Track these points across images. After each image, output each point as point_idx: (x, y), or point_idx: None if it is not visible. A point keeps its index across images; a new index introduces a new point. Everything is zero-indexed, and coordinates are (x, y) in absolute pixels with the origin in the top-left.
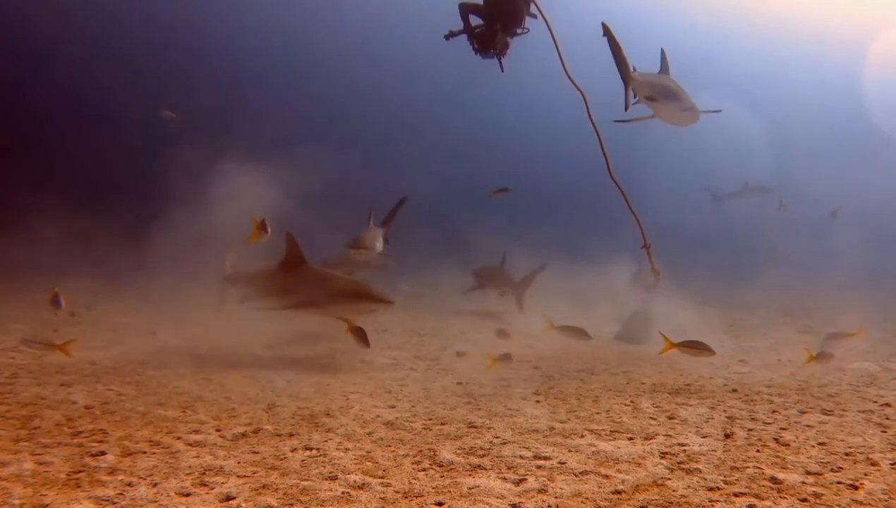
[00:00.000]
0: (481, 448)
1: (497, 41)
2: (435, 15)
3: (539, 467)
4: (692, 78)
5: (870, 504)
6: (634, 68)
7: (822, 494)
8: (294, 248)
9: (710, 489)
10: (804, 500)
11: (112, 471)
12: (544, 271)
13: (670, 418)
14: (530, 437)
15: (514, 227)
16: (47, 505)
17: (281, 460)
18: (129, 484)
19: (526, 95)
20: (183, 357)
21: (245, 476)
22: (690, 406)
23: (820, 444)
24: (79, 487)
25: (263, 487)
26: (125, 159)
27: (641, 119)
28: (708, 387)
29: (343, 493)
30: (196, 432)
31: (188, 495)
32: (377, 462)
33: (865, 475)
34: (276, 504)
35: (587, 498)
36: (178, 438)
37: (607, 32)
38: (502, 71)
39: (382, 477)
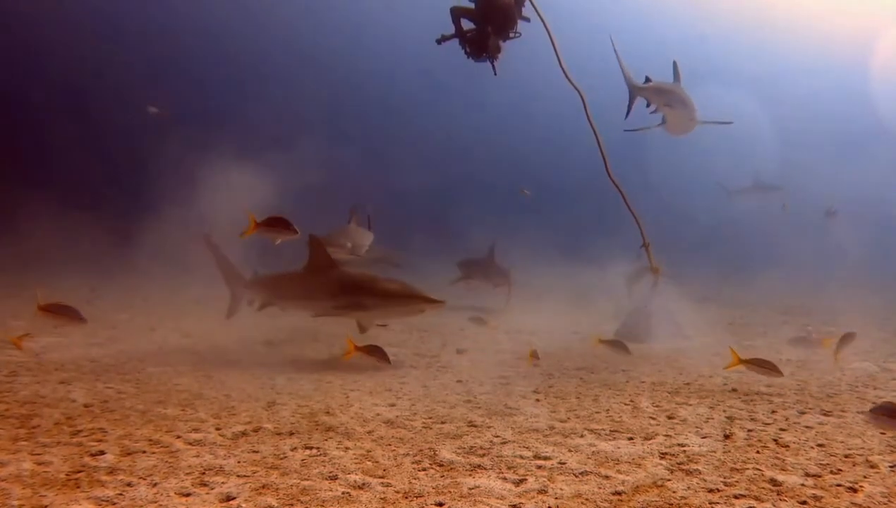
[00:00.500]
0: (481, 448)
1: (489, 45)
2: (427, 13)
3: (539, 467)
4: (692, 78)
5: (869, 507)
6: (649, 78)
7: (822, 497)
8: (320, 251)
9: (710, 490)
10: (804, 503)
11: (112, 471)
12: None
13: (670, 418)
14: (530, 436)
15: (509, 225)
16: (46, 506)
17: (281, 459)
18: (129, 484)
19: (526, 95)
20: (182, 354)
21: (245, 475)
22: (690, 405)
23: (819, 445)
24: (78, 487)
25: (263, 487)
26: (120, 157)
27: (646, 128)
28: (707, 387)
29: (343, 493)
30: (196, 430)
31: (188, 495)
32: (377, 462)
33: (865, 477)
34: (276, 505)
35: (587, 499)
36: (178, 437)
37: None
38: (495, 74)
39: (383, 477)
